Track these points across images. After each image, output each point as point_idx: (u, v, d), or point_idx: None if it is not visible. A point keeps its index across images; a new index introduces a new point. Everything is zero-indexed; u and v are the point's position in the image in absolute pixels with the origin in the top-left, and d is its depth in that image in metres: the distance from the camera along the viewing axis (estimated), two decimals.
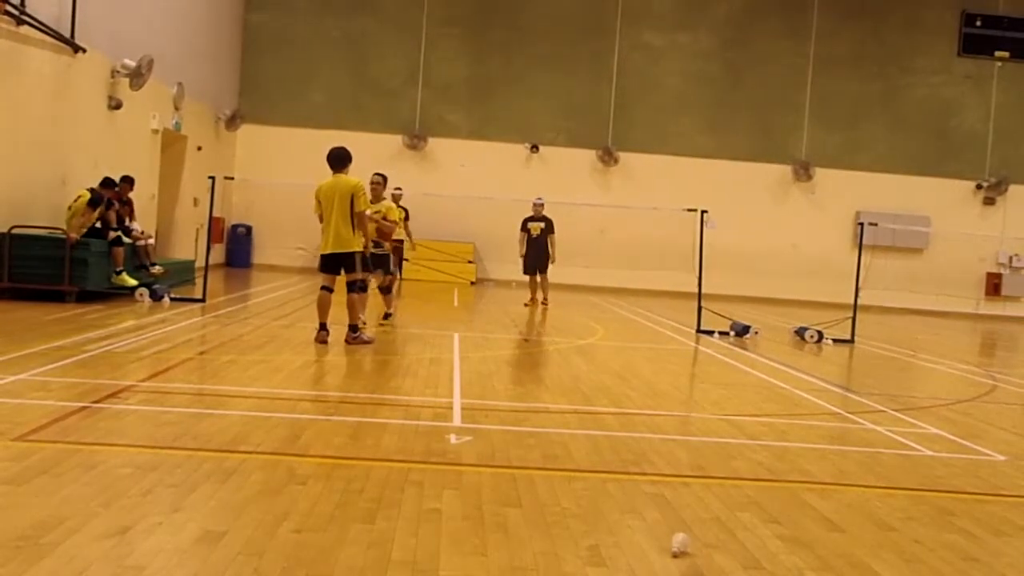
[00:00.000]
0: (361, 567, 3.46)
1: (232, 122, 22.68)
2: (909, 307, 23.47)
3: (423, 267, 21.95)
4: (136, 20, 16.25)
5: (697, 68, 24.90)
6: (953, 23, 25.13)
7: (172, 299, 12.89)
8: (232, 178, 19.33)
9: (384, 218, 11.32)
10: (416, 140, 24.15)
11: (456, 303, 17.93)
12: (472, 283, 23.30)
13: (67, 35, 13.49)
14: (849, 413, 7.78)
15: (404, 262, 17.89)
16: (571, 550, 3.82)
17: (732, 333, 13.48)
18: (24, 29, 12.33)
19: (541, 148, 24.42)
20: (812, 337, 13.56)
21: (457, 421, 6.31)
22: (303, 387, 7.47)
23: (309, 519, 3.96)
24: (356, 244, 9.82)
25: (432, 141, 24.22)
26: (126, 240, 13.51)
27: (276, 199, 22.33)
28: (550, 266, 16.96)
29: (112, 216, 13.24)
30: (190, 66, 19.41)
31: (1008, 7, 25.07)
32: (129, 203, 14.43)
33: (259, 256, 23.79)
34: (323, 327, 9.74)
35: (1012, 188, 24.98)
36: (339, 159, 9.86)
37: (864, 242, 14.69)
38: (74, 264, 11.98)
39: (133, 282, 13.07)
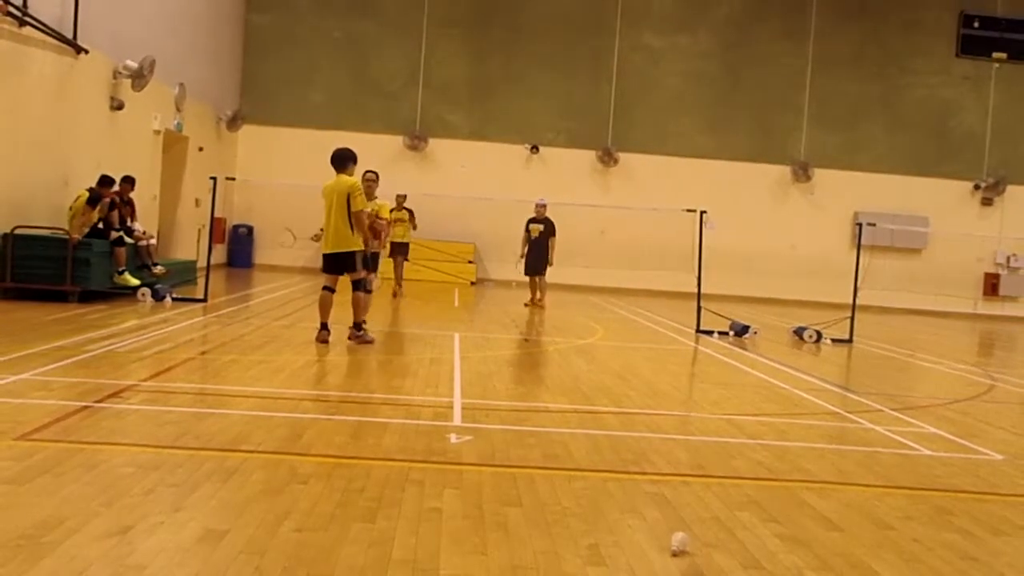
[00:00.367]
0: (362, 566, 3.47)
1: (233, 123, 22.70)
2: (908, 307, 23.48)
3: (423, 267, 21.95)
4: (138, 21, 16.27)
5: (697, 69, 24.91)
6: (951, 24, 25.15)
7: (174, 299, 12.91)
8: (233, 178, 19.34)
9: (377, 217, 11.18)
10: (416, 141, 24.17)
11: (456, 303, 17.95)
12: (472, 283, 23.32)
13: (69, 36, 13.51)
14: (848, 413, 7.80)
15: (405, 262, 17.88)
16: (571, 549, 3.83)
17: (731, 333, 13.49)
18: (26, 30, 12.35)
19: (541, 148, 24.43)
20: (811, 337, 13.57)
21: (457, 421, 6.33)
22: (304, 387, 7.48)
23: (310, 518, 3.98)
24: (356, 244, 9.83)
25: (432, 142, 24.24)
26: (128, 240, 13.53)
27: (277, 199, 22.33)
28: (548, 269, 16.97)
29: (114, 216, 13.27)
30: (191, 67, 19.43)
31: (1006, 9, 25.08)
32: (130, 203, 14.44)
33: (260, 256, 23.80)
34: (324, 327, 9.77)
35: (1010, 188, 24.99)
36: (338, 159, 9.90)
37: (863, 242, 14.71)
38: (76, 264, 12.00)
39: (135, 282, 13.09)
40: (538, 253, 16.84)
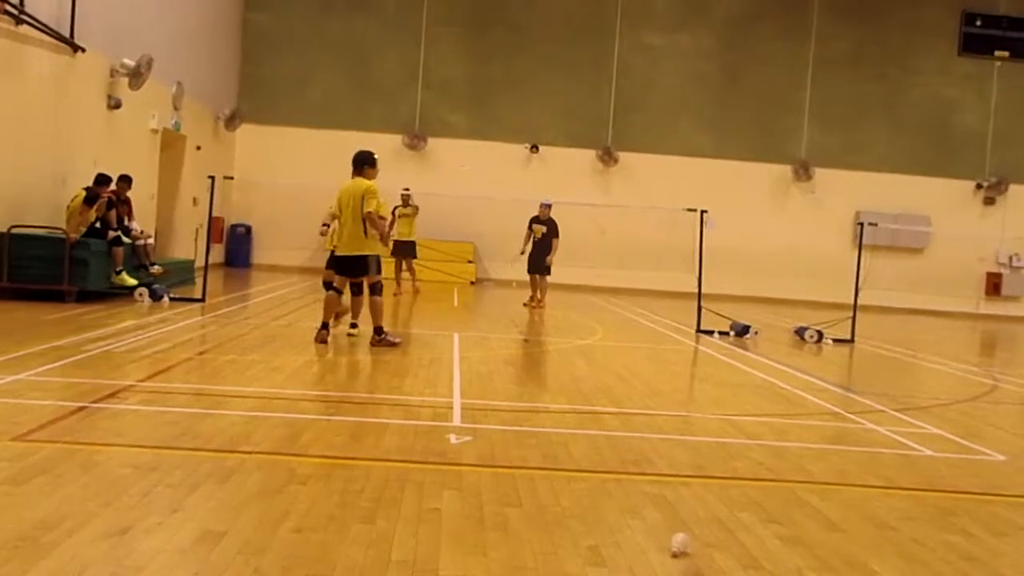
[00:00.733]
0: (361, 567, 3.46)
1: (231, 122, 22.67)
2: (909, 307, 23.46)
3: (423, 267, 21.91)
4: (135, 19, 16.24)
5: (697, 68, 24.89)
6: (953, 23, 25.12)
7: (172, 299, 12.88)
8: (231, 178, 19.32)
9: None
10: (416, 140, 24.14)
11: (456, 303, 17.93)
12: (472, 283, 23.30)
13: (66, 34, 13.48)
14: (849, 413, 7.78)
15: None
16: (571, 550, 3.81)
17: (732, 333, 13.47)
18: (23, 28, 12.32)
19: (541, 148, 24.41)
20: (812, 337, 13.55)
21: (457, 421, 6.31)
22: (303, 387, 7.46)
23: (309, 519, 3.96)
24: (369, 247, 9.78)
25: (432, 141, 24.21)
26: (126, 240, 13.50)
27: (276, 199, 22.33)
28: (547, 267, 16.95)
29: (112, 216, 13.24)
30: (189, 66, 19.40)
31: (1008, 7, 25.06)
32: (127, 202, 14.41)
33: (258, 256, 23.77)
34: (325, 327, 9.75)
35: (1012, 188, 24.96)
36: (355, 161, 9.96)
37: (864, 242, 14.69)
38: (74, 264, 11.97)
39: (133, 282, 13.06)
40: (539, 253, 16.81)
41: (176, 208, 19.50)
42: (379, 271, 10.06)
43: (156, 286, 13.17)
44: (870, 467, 5.74)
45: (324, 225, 11.78)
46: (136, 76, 15.35)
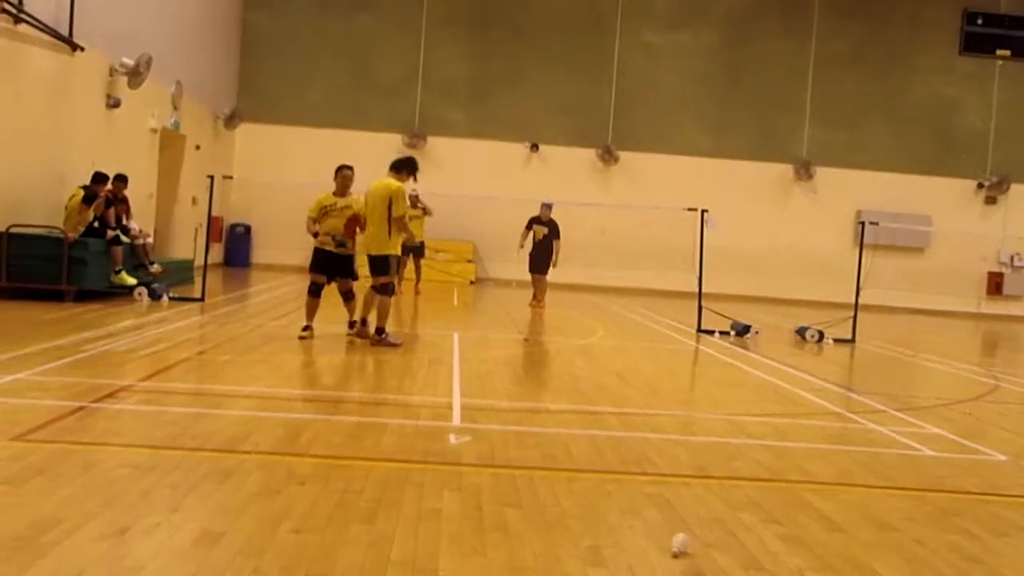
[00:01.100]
0: (360, 567, 3.44)
1: (231, 121, 22.65)
2: (910, 307, 23.44)
3: (423, 266, 21.88)
4: (134, 19, 16.22)
5: (698, 67, 24.86)
6: (954, 22, 25.10)
7: (171, 298, 12.87)
8: (231, 177, 19.29)
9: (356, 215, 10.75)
10: (416, 139, 24.11)
11: (456, 303, 17.92)
12: (472, 282, 23.29)
13: (65, 34, 13.47)
14: (850, 413, 7.76)
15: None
16: (571, 550, 3.80)
17: (733, 333, 13.45)
18: (22, 27, 12.31)
19: (541, 147, 24.39)
20: (813, 336, 13.54)
21: (457, 421, 6.29)
22: (302, 387, 7.45)
23: (308, 519, 3.94)
24: (390, 247, 9.76)
25: (432, 140, 24.18)
26: (124, 239, 13.49)
27: (275, 198, 22.28)
28: (551, 269, 16.92)
29: (111, 215, 13.22)
30: (189, 65, 19.39)
31: (1009, 6, 25.03)
32: (125, 201, 14.38)
33: (258, 255, 23.76)
34: (363, 322, 9.90)
35: (1013, 187, 24.93)
36: (400, 163, 9.94)
37: (865, 241, 14.66)
38: (72, 263, 11.96)
39: (132, 281, 13.05)
40: (540, 253, 16.77)
41: (175, 207, 19.49)
42: (396, 272, 10.10)
43: (155, 285, 13.16)
44: (871, 467, 5.72)
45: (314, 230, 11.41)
46: (135, 75, 15.34)
